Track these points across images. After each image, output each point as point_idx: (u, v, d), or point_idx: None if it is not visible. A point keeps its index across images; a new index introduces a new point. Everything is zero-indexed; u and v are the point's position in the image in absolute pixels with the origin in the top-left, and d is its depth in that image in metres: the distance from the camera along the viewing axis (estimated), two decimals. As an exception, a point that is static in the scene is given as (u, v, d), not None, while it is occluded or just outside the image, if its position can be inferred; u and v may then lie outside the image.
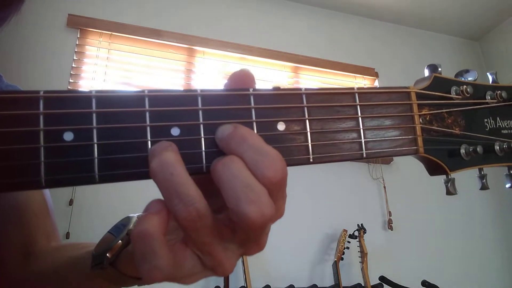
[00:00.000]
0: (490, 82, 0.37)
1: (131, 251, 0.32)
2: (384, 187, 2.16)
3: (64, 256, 0.43)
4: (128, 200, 1.75)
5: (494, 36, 2.78)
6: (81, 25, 1.97)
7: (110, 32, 2.01)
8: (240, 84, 0.27)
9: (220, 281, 1.72)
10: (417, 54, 2.65)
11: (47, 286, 0.44)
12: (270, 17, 2.41)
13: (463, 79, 0.35)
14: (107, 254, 0.33)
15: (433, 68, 0.34)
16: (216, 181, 0.23)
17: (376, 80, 2.48)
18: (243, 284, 1.71)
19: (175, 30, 2.12)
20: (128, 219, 0.36)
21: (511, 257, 2.40)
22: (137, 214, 0.37)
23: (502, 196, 2.47)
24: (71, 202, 1.67)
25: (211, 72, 2.18)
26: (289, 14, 2.47)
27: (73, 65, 1.92)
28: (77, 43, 1.96)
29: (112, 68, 2.00)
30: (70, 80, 1.88)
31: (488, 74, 0.38)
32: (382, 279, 1.83)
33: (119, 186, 1.78)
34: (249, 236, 0.24)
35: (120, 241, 0.33)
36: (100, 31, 2.00)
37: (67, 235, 1.61)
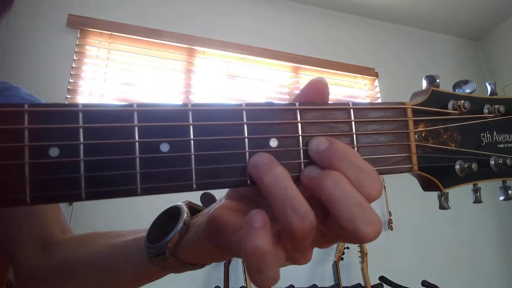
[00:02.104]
0: (489, 93, 0.37)
1: (192, 239, 0.33)
2: (384, 187, 2.16)
3: (100, 245, 0.44)
4: (128, 201, 1.75)
5: (494, 36, 2.78)
6: (81, 25, 1.97)
7: (110, 32, 2.00)
8: (315, 94, 0.27)
9: (220, 281, 1.72)
10: (417, 54, 2.65)
11: (73, 274, 0.44)
12: (270, 17, 2.41)
13: (461, 90, 0.35)
14: (169, 245, 0.34)
15: (430, 80, 0.33)
16: (325, 197, 0.23)
17: (376, 80, 2.48)
18: (243, 284, 1.71)
19: (175, 30, 2.12)
20: (177, 209, 0.36)
21: (510, 257, 2.40)
22: (183, 201, 0.38)
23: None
24: (71, 203, 1.67)
25: (211, 72, 2.18)
26: (289, 14, 2.47)
27: (73, 65, 1.92)
28: (77, 43, 1.96)
29: (112, 68, 2.00)
30: (70, 80, 1.88)
31: (487, 84, 0.37)
32: (382, 279, 1.83)
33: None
34: (341, 240, 0.25)
35: (178, 232, 0.34)
36: (100, 31, 2.00)
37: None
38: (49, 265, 0.46)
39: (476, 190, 0.35)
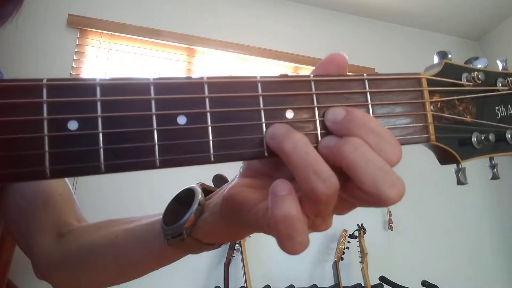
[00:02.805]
0: (500, 69, 0.37)
1: (208, 220, 0.34)
2: (384, 187, 2.16)
3: (116, 230, 0.45)
4: (128, 196, 1.75)
5: (494, 36, 2.78)
6: (81, 25, 1.97)
7: (110, 32, 2.01)
8: (335, 67, 0.27)
9: (220, 281, 1.72)
10: (417, 54, 2.65)
11: (91, 260, 0.45)
12: (270, 17, 2.41)
13: (472, 66, 0.34)
14: (185, 226, 0.34)
15: (442, 54, 0.33)
16: (346, 163, 0.23)
17: (376, 80, 2.48)
18: (243, 284, 1.71)
19: (175, 30, 2.12)
20: (191, 191, 0.37)
21: (511, 257, 2.40)
22: (196, 183, 0.38)
23: (503, 196, 2.47)
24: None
25: (211, 72, 2.18)
26: (289, 14, 2.47)
27: (73, 65, 1.92)
28: (77, 43, 1.96)
29: (112, 68, 2.00)
30: (70, 80, 1.88)
31: (498, 61, 0.37)
32: (382, 279, 1.83)
33: (120, 182, 1.79)
34: (361, 205, 0.26)
35: (193, 213, 0.35)
36: (100, 31, 2.00)
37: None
38: (66, 252, 0.47)
39: (493, 166, 0.34)
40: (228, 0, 2.34)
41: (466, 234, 2.33)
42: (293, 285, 1.76)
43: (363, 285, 1.80)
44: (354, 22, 2.61)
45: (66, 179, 0.55)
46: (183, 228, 0.34)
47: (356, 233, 1.92)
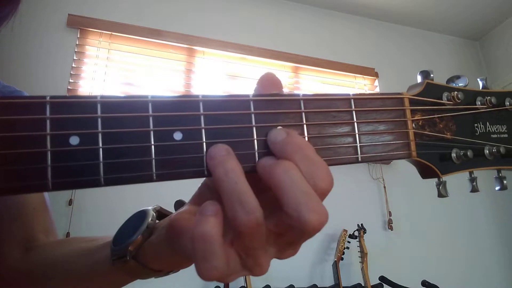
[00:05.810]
0: (481, 87, 0.38)
1: (154, 243, 0.33)
2: (384, 187, 2.16)
3: (74, 248, 0.44)
4: (127, 201, 1.75)
5: (494, 36, 2.78)
6: (81, 25, 1.97)
7: (110, 32, 2.01)
8: (269, 87, 0.28)
9: (220, 281, 1.72)
10: (417, 54, 2.65)
11: (45, 279, 0.44)
12: (270, 17, 2.41)
13: (454, 84, 0.36)
14: (130, 248, 0.33)
15: (425, 74, 0.35)
16: (274, 184, 0.24)
17: (376, 80, 2.48)
18: (243, 284, 1.71)
19: (175, 30, 2.12)
20: (143, 213, 0.36)
21: (511, 258, 2.40)
22: (151, 207, 0.37)
23: (502, 196, 2.47)
24: (70, 202, 1.68)
25: (211, 72, 2.18)
26: (289, 14, 2.47)
27: (73, 65, 1.92)
28: (77, 43, 1.96)
29: (112, 68, 2.00)
30: (70, 80, 1.88)
31: (478, 79, 0.39)
32: (382, 279, 1.83)
33: (118, 187, 1.78)
34: (295, 240, 0.25)
35: (141, 234, 0.34)
36: (100, 31, 2.00)
37: (67, 235, 1.61)
38: (30, 267, 0.46)
39: (472, 180, 0.36)
40: (228, 0, 2.34)
41: (466, 234, 2.33)
42: (293, 285, 1.76)
43: (363, 285, 1.80)
44: (354, 22, 2.61)
45: None
46: (127, 249, 0.33)
47: (356, 233, 1.92)
